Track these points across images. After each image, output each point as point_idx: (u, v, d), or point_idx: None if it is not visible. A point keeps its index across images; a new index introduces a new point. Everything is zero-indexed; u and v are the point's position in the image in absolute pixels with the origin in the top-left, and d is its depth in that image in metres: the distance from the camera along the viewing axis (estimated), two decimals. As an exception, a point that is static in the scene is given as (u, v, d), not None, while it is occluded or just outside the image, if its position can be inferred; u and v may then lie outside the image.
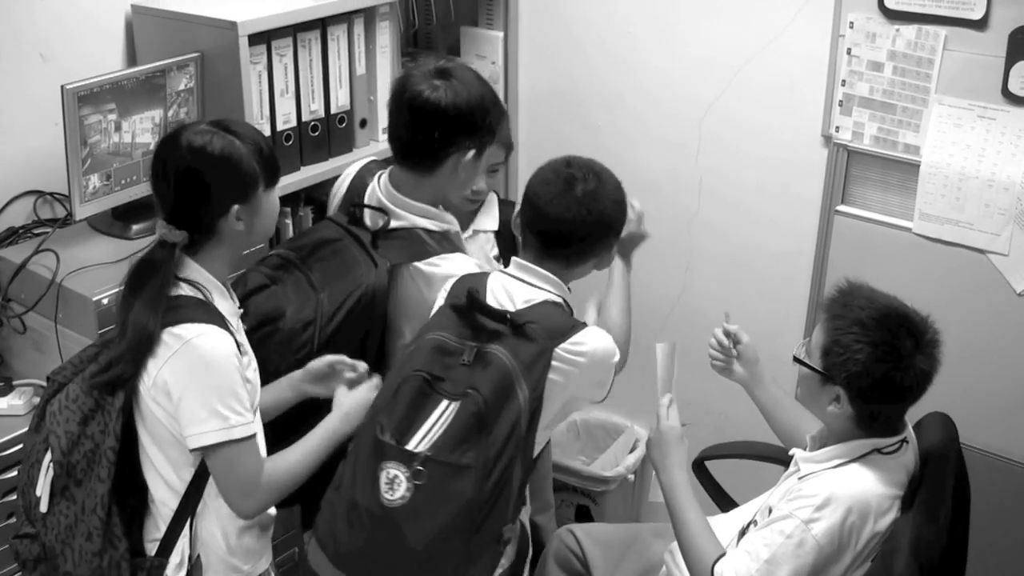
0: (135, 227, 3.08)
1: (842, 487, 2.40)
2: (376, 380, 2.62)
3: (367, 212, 2.79)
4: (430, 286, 2.69)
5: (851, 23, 3.23)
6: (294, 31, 3.14)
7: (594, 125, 3.73)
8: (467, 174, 2.77)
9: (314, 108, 3.27)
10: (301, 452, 2.46)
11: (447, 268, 2.70)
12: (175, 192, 2.37)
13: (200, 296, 2.39)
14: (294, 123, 3.21)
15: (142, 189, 3.04)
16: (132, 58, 3.22)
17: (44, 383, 2.52)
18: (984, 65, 3.04)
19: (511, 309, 2.51)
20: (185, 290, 2.38)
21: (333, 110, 3.32)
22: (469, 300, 2.47)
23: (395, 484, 2.34)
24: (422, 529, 2.33)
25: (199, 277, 2.41)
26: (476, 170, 2.80)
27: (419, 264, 2.71)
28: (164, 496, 2.42)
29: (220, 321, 2.36)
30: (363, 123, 3.42)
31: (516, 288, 2.57)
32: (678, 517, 2.58)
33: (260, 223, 2.45)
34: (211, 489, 2.41)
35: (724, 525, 2.73)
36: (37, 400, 2.58)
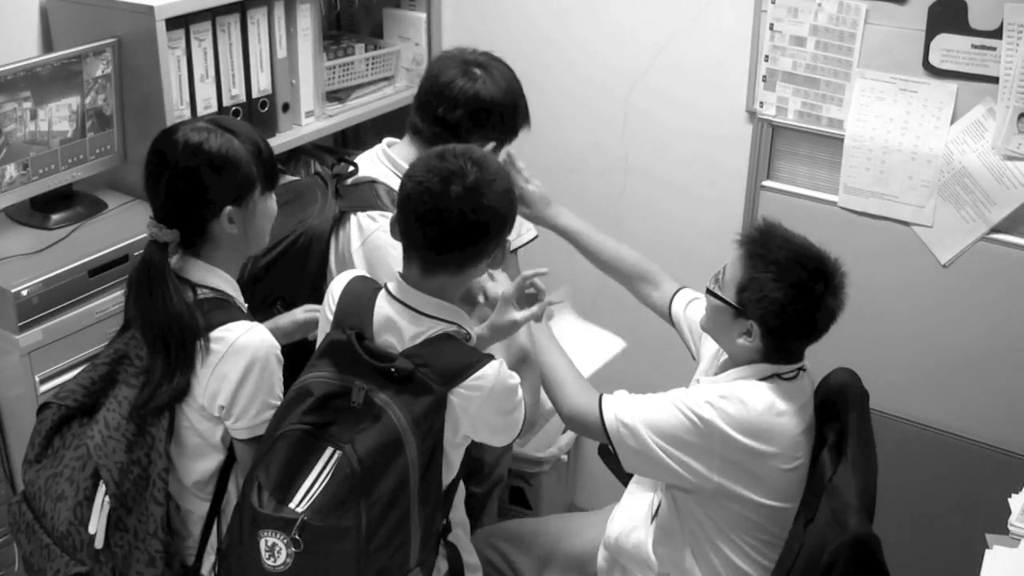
0: (55, 217, 3.01)
1: (746, 392, 2.49)
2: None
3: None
4: (359, 236, 2.70)
5: (773, -1, 3.24)
6: (213, 15, 3.09)
7: (519, 105, 3.72)
8: None
9: (235, 93, 3.22)
10: None
11: (381, 224, 2.69)
12: (167, 190, 2.33)
13: (221, 296, 2.38)
14: (215, 108, 3.16)
15: (61, 178, 3.00)
16: (48, 44, 3.15)
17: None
18: (905, 38, 3.07)
19: (398, 346, 2.31)
20: (205, 294, 2.36)
21: (255, 95, 3.28)
22: (349, 343, 2.26)
23: (275, 551, 2.20)
24: None
25: (213, 279, 2.39)
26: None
27: (361, 214, 2.72)
28: (191, 505, 2.42)
29: (249, 317, 2.37)
30: (285, 107, 3.38)
31: (402, 321, 2.33)
32: (550, 360, 2.64)
33: (255, 228, 2.42)
34: (232, 483, 2.42)
35: (634, 500, 2.79)
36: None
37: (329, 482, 2.20)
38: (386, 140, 2.90)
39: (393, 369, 2.23)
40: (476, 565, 2.75)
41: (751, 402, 2.47)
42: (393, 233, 2.38)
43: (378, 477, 2.20)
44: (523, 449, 3.97)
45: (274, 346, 2.35)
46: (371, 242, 2.69)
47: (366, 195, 2.76)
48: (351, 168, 2.79)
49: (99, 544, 2.32)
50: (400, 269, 2.40)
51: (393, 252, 2.59)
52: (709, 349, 2.78)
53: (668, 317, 2.96)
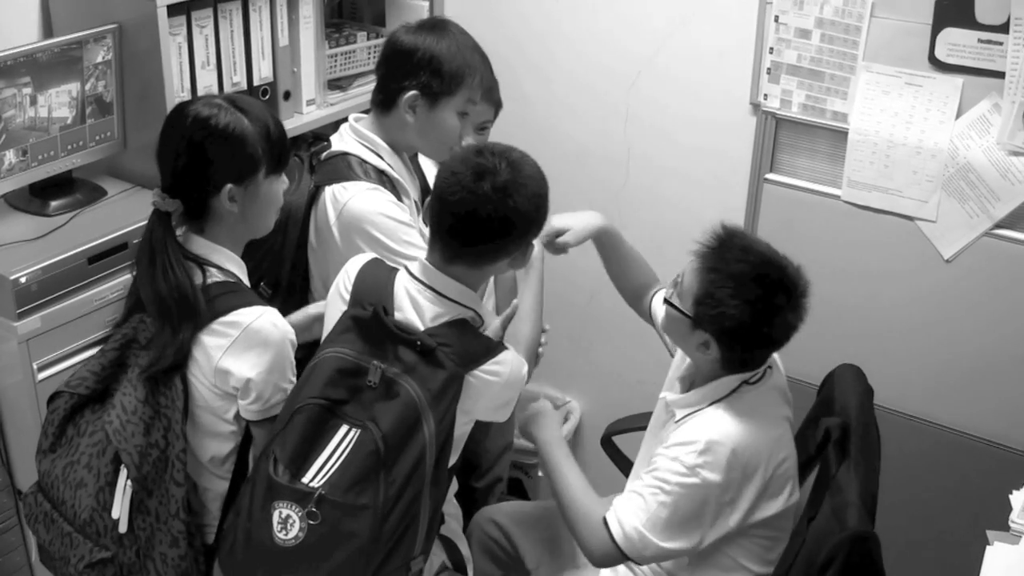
0: (54, 203, 3.00)
1: (718, 431, 2.42)
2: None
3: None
4: (334, 209, 2.70)
5: (778, -10, 3.22)
6: (214, 1, 3.08)
7: (522, 95, 3.70)
8: (422, 122, 2.78)
9: (236, 80, 3.21)
10: None
11: (354, 193, 2.69)
12: (173, 161, 2.37)
13: (232, 279, 2.40)
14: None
15: (60, 164, 2.99)
16: (48, 30, 3.14)
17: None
18: (911, 32, 3.05)
19: (420, 326, 2.36)
20: (216, 276, 2.38)
21: (256, 82, 3.27)
22: (375, 316, 2.31)
23: (288, 524, 2.23)
24: (316, 569, 2.24)
25: (220, 258, 2.41)
26: (436, 120, 2.79)
27: (334, 186, 2.72)
28: (209, 483, 2.45)
29: (263, 302, 2.39)
30: (287, 95, 3.37)
31: (424, 300, 2.39)
32: (559, 478, 2.59)
33: (256, 210, 2.44)
34: (251, 462, 2.44)
35: None
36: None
37: (349, 458, 2.24)
38: (352, 116, 2.91)
39: (418, 342, 2.27)
40: (468, 557, 2.77)
41: (723, 439, 2.41)
42: (424, 218, 2.50)
43: (399, 454, 2.24)
44: (521, 441, 3.96)
45: (288, 331, 2.38)
46: (346, 213, 2.70)
47: (338, 167, 2.77)
48: (324, 144, 2.80)
49: (123, 528, 2.34)
50: (377, 236, 2.60)
51: (370, 218, 2.66)
52: (676, 357, 2.77)
53: (648, 316, 2.94)
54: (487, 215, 2.31)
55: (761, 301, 2.39)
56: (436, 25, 2.84)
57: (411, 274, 2.42)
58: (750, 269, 2.41)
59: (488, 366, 2.35)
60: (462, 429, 2.44)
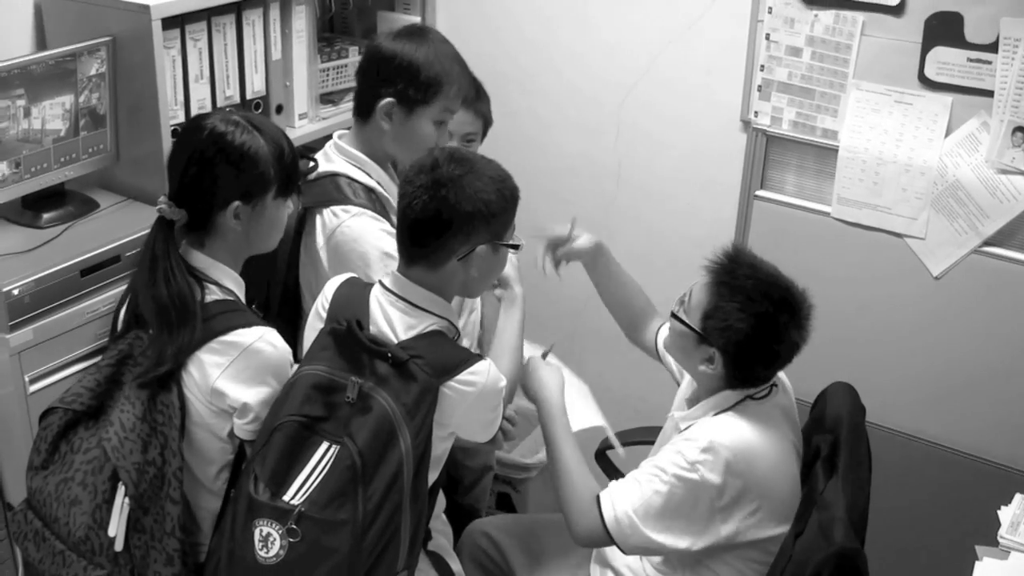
0: (46, 216, 2.99)
1: (722, 433, 2.43)
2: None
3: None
4: (323, 234, 2.70)
5: (770, 8, 3.24)
6: (208, 15, 3.08)
7: (512, 111, 3.71)
8: (397, 129, 2.76)
9: (229, 94, 3.21)
10: None
11: (344, 220, 2.69)
12: (183, 170, 2.38)
13: (231, 298, 2.40)
14: (209, 109, 3.15)
15: (53, 177, 2.98)
16: (42, 42, 3.14)
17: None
18: (900, 51, 3.07)
19: (393, 339, 2.36)
20: (215, 293, 2.38)
21: (248, 95, 3.27)
22: (349, 332, 2.30)
23: (269, 541, 2.22)
24: None
25: (219, 274, 2.41)
26: (412, 128, 2.77)
27: (325, 210, 2.72)
28: (202, 501, 2.43)
29: (263, 321, 2.39)
30: (279, 109, 3.37)
31: (396, 313, 2.39)
32: (555, 449, 2.58)
33: (259, 230, 2.44)
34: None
35: None
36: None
37: (327, 475, 2.23)
38: (336, 133, 2.90)
39: (389, 355, 2.27)
40: (459, 573, 2.76)
41: (726, 443, 2.42)
42: None
43: (376, 468, 2.23)
44: (510, 455, 3.96)
45: (286, 351, 2.38)
46: (335, 238, 2.69)
47: (327, 189, 2.75)
48: (311, 164, 2.79)
49: (119, 546, 2.31)
50: (366, 262, 2.60)
51: (357, 247, 2.66)
52: (685, 381, 2.77)
53: (655, 353, 2.93)
54: (421, 208, 2.32)
55: (768, 316, 2.42)
56: (416, 33, 2.82)
57: (383, 286, 2.43)
58: (759, 284, 2.44)
59: (463, 376, 2.33)
60: (443, 445, 2.43)
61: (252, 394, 2.33)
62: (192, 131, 2.40)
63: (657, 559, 2.63)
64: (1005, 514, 2.54)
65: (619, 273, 2.97)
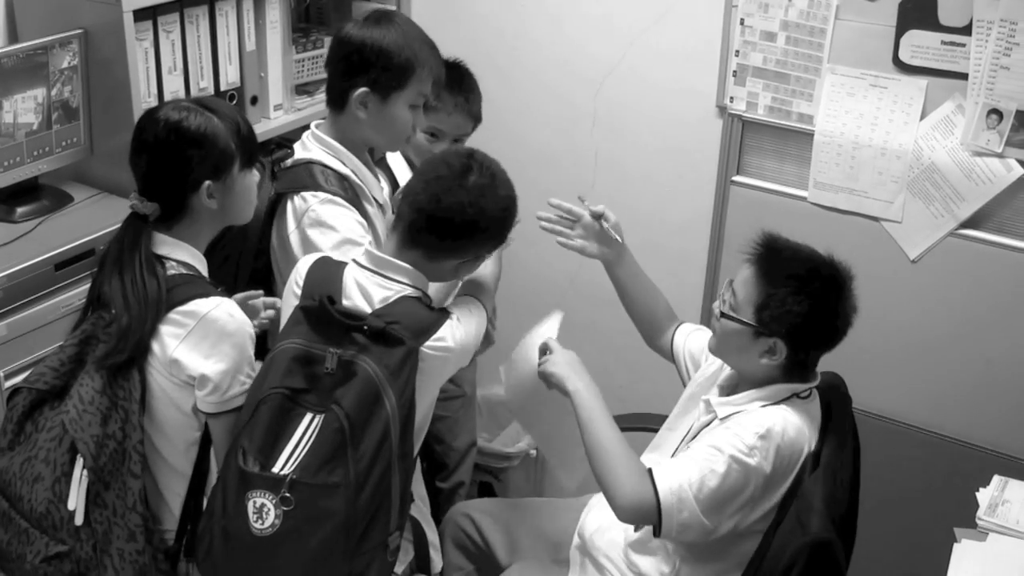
0: (20, 210, 2.97)
1: (779, 424, 2.42)
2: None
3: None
4: (294, 219, 2.70)
5: (744, -7, 3.24)
6: (181, 6, 3.07)
7: (489, 99, 3.70)
8: (374, 117, 2.75)
9: (203, 85, 3.20)
10: None
11: (311, 204, 2.68)
12: (148, 165, 2.39)
13: (191, 272, 2.40)
14: (183, 101, 3.14)
15: (26, 171, 2.97)
16: (13, 35, 3.12)
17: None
18: (875, 34, 3.07)
19: (368, 310, 2.39)
20: (174, 269, 2.39)
21: (223, 87, 3.26)
22: (321, 306, 2.33)
23: (263, 512, 2.24)
24: (296, 554, 2.26)
25: (181, 253, 2.42)
26: (388, 115, 2.75)
27: (295, 196, 2.71)
28: (169, 481, 2.43)
29: (221, 292, 2.39)
30: (254, 100, 3.36)
31: (371, 285, 2.43)
32: (597, 426, 2.50)
33: (233, 202, 2.46)
34: (212, 460, 2.44)
35: None
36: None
37: (316, 441, 2.26)
38: (314, 123, 2.88)
39: (365, 327, 2.30)
40: (436, 544, 2.80)
41: (779, 433, 2.42)
42: (393, 203, 2.60)
43: (364, 430, 2.27)
44: (491, 444, 3.97)
45: (245, 322, 2.38)
46: (304, 224, 2.68)
47: (300, 175, 2.75)
48: (287, 151, 2.79)
49: (79, 520, 2.31)
50: (328, 247, 2.60)
51: (321, 231, 2.65)
52: (704, 372, 2.75)
53: (670, 354, 2.91)
54: (457, 208, 2.40)
55: (822, 294, 2.45)
56: (382, 18, 2.79)
57: (359, 264, 2.47)
58: (806, 265, 2.48)
59: (440, 332, 2.40)
60: (427, 400, 2.51)
61: (209, 365, 2.32)
62: (148, 125, 2.40)
63: (637, 551, 2.63)
64: (983, 496, 2.55)
65: (642, 275, 2.96)
